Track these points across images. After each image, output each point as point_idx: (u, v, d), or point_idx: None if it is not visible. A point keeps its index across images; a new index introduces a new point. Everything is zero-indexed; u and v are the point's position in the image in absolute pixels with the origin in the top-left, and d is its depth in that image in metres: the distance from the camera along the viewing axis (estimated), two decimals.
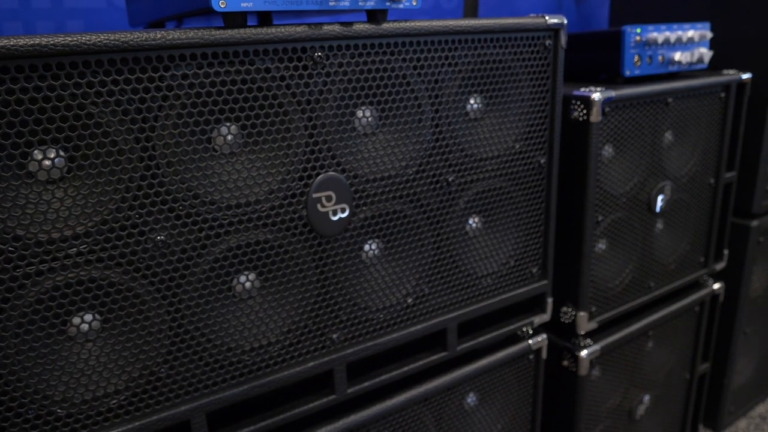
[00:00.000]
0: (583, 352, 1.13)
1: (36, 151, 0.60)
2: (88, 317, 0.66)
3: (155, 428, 0.72)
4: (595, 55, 1.13)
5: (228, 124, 0.69)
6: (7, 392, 0.63)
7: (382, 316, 0.87)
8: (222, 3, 0.65)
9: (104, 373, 0.68)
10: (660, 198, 1.17)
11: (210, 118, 0.68)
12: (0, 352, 0.62)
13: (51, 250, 0.62)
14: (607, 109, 1.02)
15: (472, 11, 1.48)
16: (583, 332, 1.13)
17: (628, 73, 1.08)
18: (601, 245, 1.13)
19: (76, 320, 0.66)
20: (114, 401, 0.69)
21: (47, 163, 0.60)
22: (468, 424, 1.05)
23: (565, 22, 0.92)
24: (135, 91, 0.63)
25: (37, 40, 0.57)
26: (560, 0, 1.69)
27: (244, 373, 0.77)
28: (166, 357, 0.72)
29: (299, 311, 0.80)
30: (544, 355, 1.08)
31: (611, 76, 1.11)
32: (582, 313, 1.11)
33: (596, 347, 1.14)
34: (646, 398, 1.33)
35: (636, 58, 1.08)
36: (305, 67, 0.72)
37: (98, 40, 0.59)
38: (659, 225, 1.22)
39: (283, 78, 0.71)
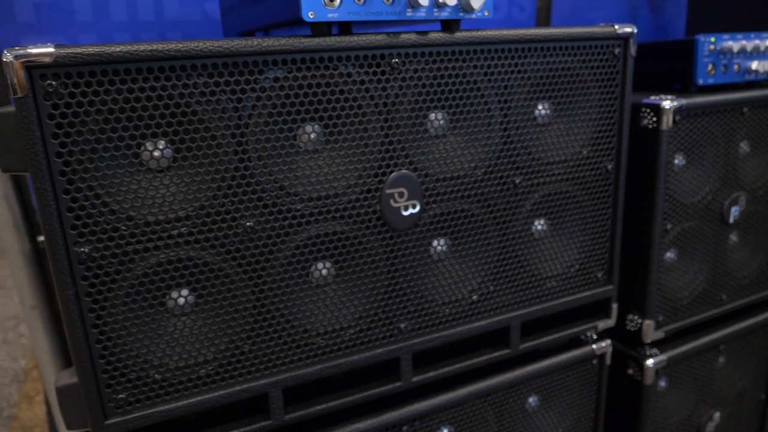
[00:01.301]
0: (649, 362, 1.12)
1: (148, 143, 0.69)
2: (185, 292, 0.74)
3: (237, 398, 0.79)
4: (669, 64, 1.13)
5: (312, 123, 0.76)
6: (114, 354, 0.72)
7: (447, 309, 0.92)
8: (311, 14, 0.72)
9: (196, 344, 0.76)
10: (734, 209, 1.15)
11: (296, 117, 0.75)
12: (110, 319, 0.70)
13: (157, 230, 0.70)
14: (677, 118, 1.02)
15: (544, 22, 1.50)
16: (649, 341, 1.12)
17: (701, 81, 1.07)
18: (671, 254, 1.13)
19: (174, 294, 0.74)
20: (203, 370, 0.77)
21: (157, 153, 0.69)
22: (529, 426, 1.07)
23: (635, 31, 0.94)
24: (233, 92, 0.71)
25: (155, 46, 0.65)
26: (635, 10, 1.68)
27: (318, 353, 0.84)
28: (250, 333, 0.79)
29: (370, 300, 0.85)
30: (608, 361, 1.08)
31: (684, 85, 1.11)
32: (648, 322, 1.10)
33: (663, 357, 1.13)
34: (717, 415, 1.30)
35: (710, 67, 1.07)
36: (383, 73, 0.78)
37: (204, 46, 0.68)
38: (733, 237, 1.20)
39: (362, 82, 0.77)
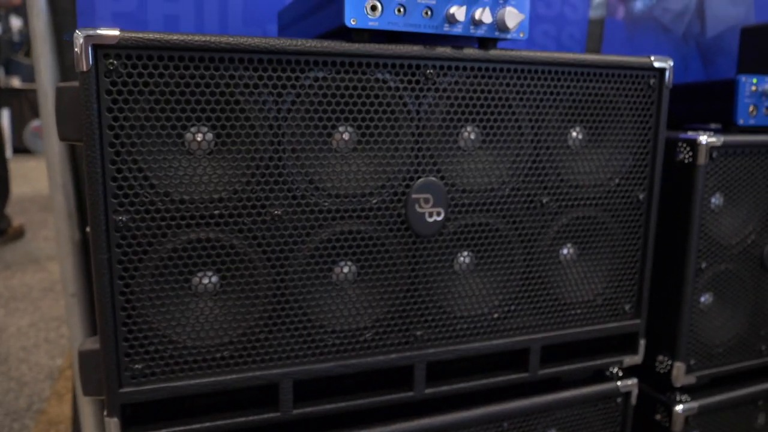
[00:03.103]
0: (678, 407, 1.07)
1: (192, 127, 0.74)
2: (210, 274, 0.78)
3: (249, 384, 0.80)
4: (710, 104, 1.13)
5: (346, 124, 0.80)
6: (136, 323, 0.75)
7: (466, 324, 0.91)
8: (353, 20, 0.77)
9: (215, 325, 0.79)
10: None
11: (332, 116, 0.79)
12: (137, 289, 0.74)
13: (191, 209, 0.75)
14: (714, 154, 1.01)
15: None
16: (679, 385, 1.07)
17: (741, 122, 1.07)
18: (707, 298, 1.09)
19: (200, 275, 0.78)
20: (219, 353, 0.79)
21: (199, 137, 0.74)
22: None
23: (671, 64, 0.95)
24: (274, 87, 0.76)
25: (207, 38, 0.72)
26: (686, 62, 1.69)
27: (332, 351, 0.85)
28: (267, 321, 0.81)
29: (389, 304, 0.86)
30: (633, 400, 1.04)
31: (725, 125, 1.10)
32: (679, 364, 1.06)
33: (693, 404, 1.08)
34: None
35: (751, 108, 1.07)
36: (417, 82, 0.82)
37: (251, 42, 0.73)
38: None
39: (397, 89, 0.81)
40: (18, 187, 4.80)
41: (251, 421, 0.82)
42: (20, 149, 6.50)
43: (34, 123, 6.49)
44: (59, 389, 1.84)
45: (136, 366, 0.76)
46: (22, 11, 6.30)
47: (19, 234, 3.64)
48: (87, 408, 1.24)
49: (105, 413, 0.76)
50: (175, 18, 1.20)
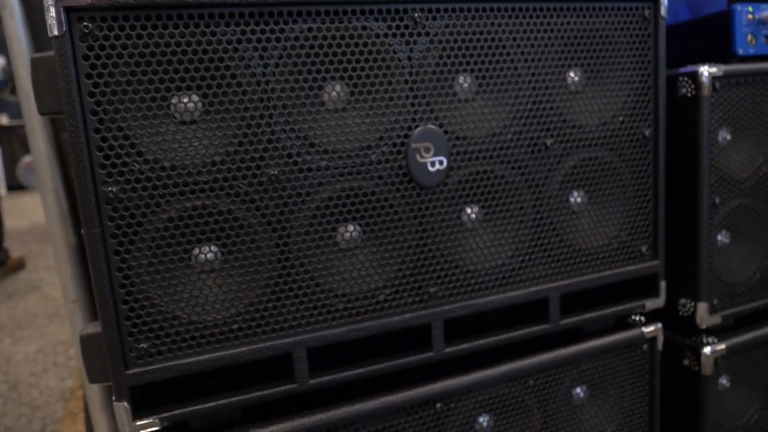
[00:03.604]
0: (706, 349, 1.03)
1: (177, 89, 0.71)
2: (211, 247, 0.74)
3: (260, 356, 0.77)
4: (707, 40, 1.10)
5: (335, 75, 0.77)
6: (137, 300, 0.72)
7: (481, 278, 0.88)
8: None
9: (220, 298, 0.75)
10: None
11: (321, 69, 0.76)
12: (135, 263, 0.71)
13: (183, 175, 0.71)
14: (717, 85, 0.98)
15: None
16: (704, 326, 1.04)
17: (741, 51, 1.04)
18: (724, 238, 1.06)
19: (201, 248, 0.74)
20: (227, 326, 0.76)
21: (185, 99, 0.71)
22: (577, 419, 0.99)
23: None
24: (258, 41, 0.73)
25: None
26: (676, 16, 1.67)
27: (344, 315, 0.81)
28: (274, 289, 0.77)
29: (399, 262, 0.83)
30: (659, 346, 1.01)
31: (725, 58, 1.07)
32: (702, 304, 1.03)
33: (721, 345, 1.04)
34: None
35: (749, 37, 1.04)
36: (406, 27, 0.79)
37: None
38: None
39: (386, 36, 0.78)
40: (15, 222, 4.78)
41: (268, 395, 0.78)
42: (14, 186, 6.47)
43: (26, 158, 6.46)
44: (72, 409, 1.80)
45: (142, 345, 0.73)
46: (3, 49, 6.30)
47: (20, 266, 3.61)
48: (100, 420, 1.20)
49: (113, 398, 0.72)
50: None
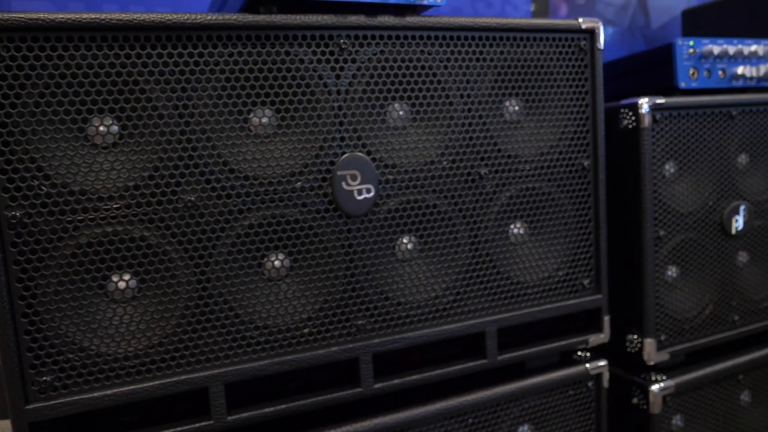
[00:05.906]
0: (654, 387, 1.00)
1: (89, 114, 0.69)
2: (126, 276, 0.71)
3: (174, 391, 0.73)
4: (652, 73, 1.11)
5: (258, 101, 0.76)
6: (41, 331, 0.68)
7: (413, 311, 0.85)
8: None
9: (132, 329, 0.72)
10: (736, 219, 1.07)
11: (242, 94, 0.74)
12: (39, 291, 0.68)
13: (93, 200, 0.69)
14: (658, 116, 0.98)
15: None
16: (651, 362, 1.01)
17: (683, 85, 1.04)
18: (672, 272, 1.04)
19: (115, 278, 0.71)
20: (138, 359, 0.72)
21: (96, 122, 0.69)
22: None
23: (600, 25, 0.92)
24: (176, 65, 0.71)
25: (97, 16, 0.67)
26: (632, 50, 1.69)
27: (266, 348, 0.78)
28: (191, 320, 0.74)
29: (325, 292, 0.80)
30: (605, 383, 0.98)
31: (668, 91, 1.08)
32: (649, 340, 1.00)
33: (670, 383, 1.01)
34: None
35: (691, 71, 1.04)
36: (332, 53, 0.78)
37: (148, 17, 0.69)
38: (743, 255, 1.11)
39: (311, 62, 0.77)
40: None
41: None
42: None
43: None
44: None
45: (45, 378, 0.69)
46: None
47: None
48: None
49: None
50: None
